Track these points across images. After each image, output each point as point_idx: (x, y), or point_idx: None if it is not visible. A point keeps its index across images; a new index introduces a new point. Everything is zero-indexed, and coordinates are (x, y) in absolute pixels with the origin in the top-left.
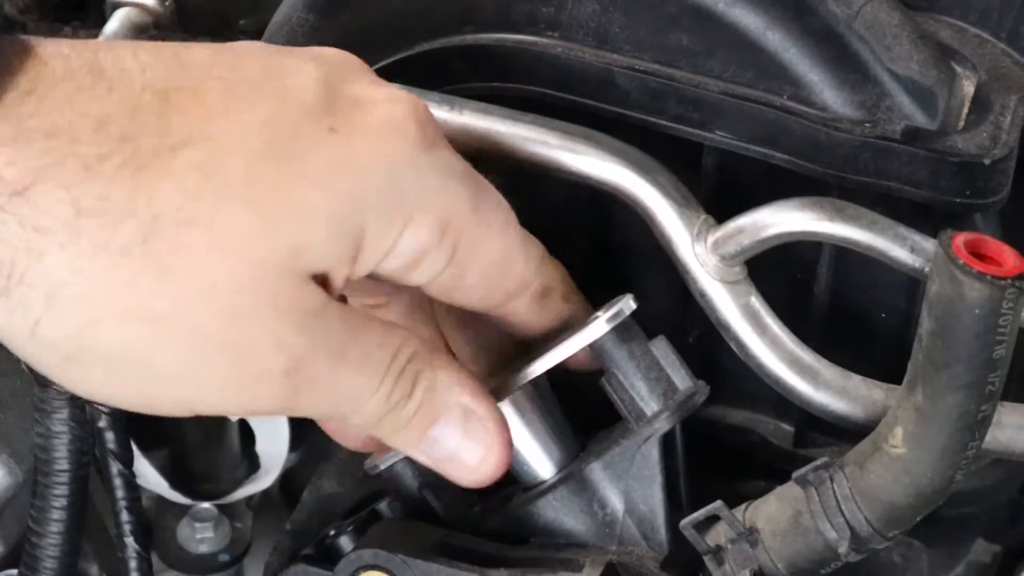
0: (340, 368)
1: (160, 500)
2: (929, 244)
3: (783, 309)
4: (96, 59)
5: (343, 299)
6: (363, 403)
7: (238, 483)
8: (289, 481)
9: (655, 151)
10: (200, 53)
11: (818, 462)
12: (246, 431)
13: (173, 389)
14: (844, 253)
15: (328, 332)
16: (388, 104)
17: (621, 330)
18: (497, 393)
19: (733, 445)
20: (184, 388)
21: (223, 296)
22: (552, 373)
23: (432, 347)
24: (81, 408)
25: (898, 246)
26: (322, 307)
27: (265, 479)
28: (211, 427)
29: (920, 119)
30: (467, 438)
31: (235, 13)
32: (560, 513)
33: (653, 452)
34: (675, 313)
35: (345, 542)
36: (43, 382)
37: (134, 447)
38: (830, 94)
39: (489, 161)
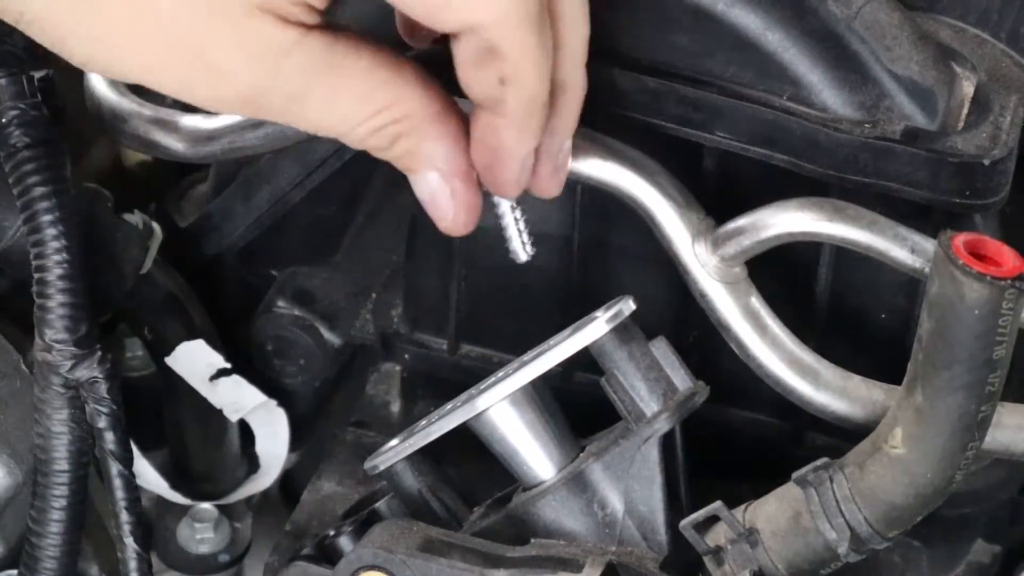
0: (302, 107)
1: (160, 500)
2: (929, 244)
3: (783, 309)
4: None
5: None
6: (339, 135)
7: (238, 484)
8: (289, 481)
9: (655, 152)
10: None
11: (818, 463)
12: (246, 431)
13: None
14: (844, 253)
15: (289, 74)
16: None
17: (621, 331)
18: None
19: (733, 445)
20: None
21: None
22: (551, 374)
23: (430, 117)
24: (81, 409)
25: (898, 246)
26: (288, 45)
27: (265, 479)
28: (211, 428)
29: (920, 119)
30: (436, 201)
31: None
32: (560, 513)
33: (653, 452)
34: (675, 313)
35: (345, 542)
36: (43, 383)
37: (134, 447)
38: (830, 94)
39: None
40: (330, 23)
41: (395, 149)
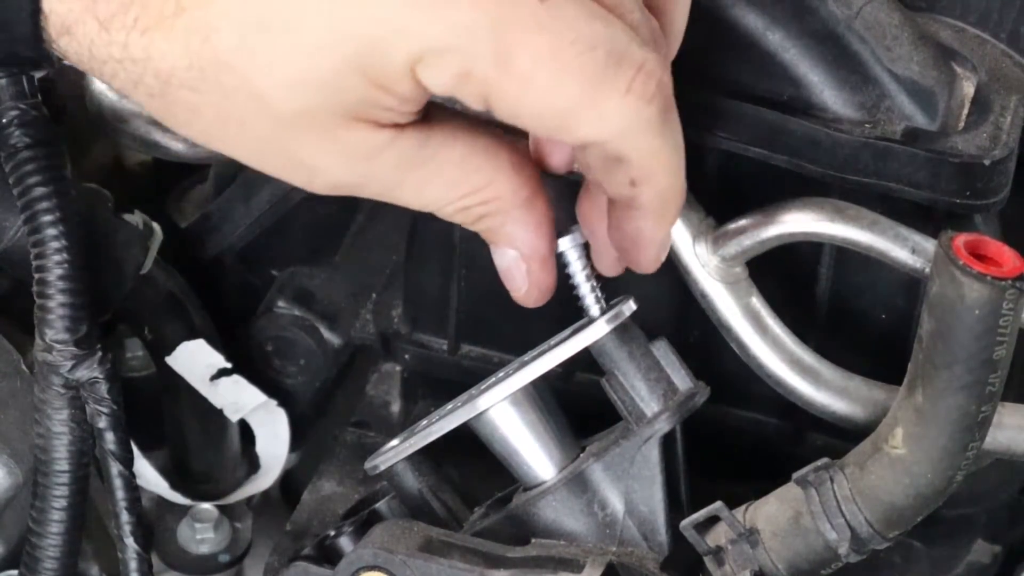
0: (396, 193)
1: (160, 501)
2: (929, 245)
3: (784, 309)
4: None
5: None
6: (430, 211)
7: (238, 484)
8: (289, 482)
9: None
10: None
11: (818, 463)
12: (246, 432)
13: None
14: (845, 254)
15: (382, 170)
16: None
17: (621, 331)
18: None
19: (733, 446)
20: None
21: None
22: (552, 374)
23: (518, 203)
24: (81, 409)
25: (898, 247)
26: (381, 146)
27: (265, 480)
28: (211, 428)
29: (920, 120)
30: (510, 274)
31: None
32: (560, 514)
33: (653, 453)
34: (676, 314)
35: (345, 542)
36: (44, 383)
37: (134, 448)
38: (830, 95)
39: None
40: (429, 112)
41: (479, 225)
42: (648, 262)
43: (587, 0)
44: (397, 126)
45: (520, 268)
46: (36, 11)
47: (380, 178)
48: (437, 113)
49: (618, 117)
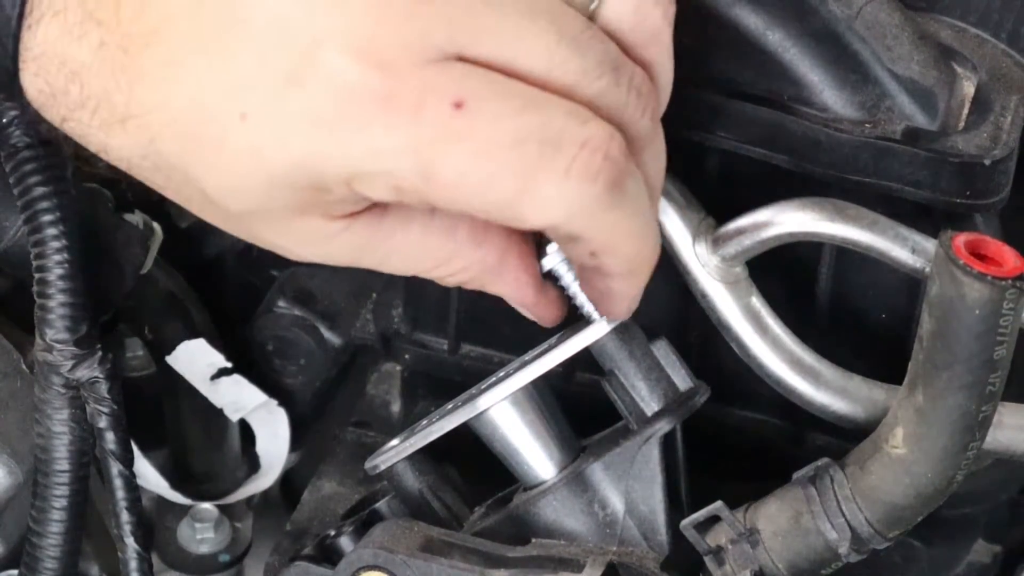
0: (361, 263)
1: (160, 500)
2: (930, 244)
3: (784, 309)
4: None
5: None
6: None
7: (238, 483)
8: (289, 481)
9: None
10: None
11: (819, 463)
12: (247, 431)
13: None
14: (845, 253)
15: (339, 251)
16: None
17: (622, 331)
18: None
19: (734, 445)
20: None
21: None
22: (552, 374)
23: (487, 269)
24: (81, 409)
25: (899, 246)
26: (334, 233)
27: (265, 479)
28: (211, 427)
29: (920, 120)
30: (515, 306)
31: None
32: (560, 513)
33: (654, 453)
34: (676, 313)
35: (345, 542)
36: (44, 383)
37: (134, 447)
38: (830, 94)
39: None
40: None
41: (459, 284)
42: (620, 313)
43: (515, 89)
44: (350, 215)
45: (519, 305)
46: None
47: (342, 257)
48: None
49: (561, 202)
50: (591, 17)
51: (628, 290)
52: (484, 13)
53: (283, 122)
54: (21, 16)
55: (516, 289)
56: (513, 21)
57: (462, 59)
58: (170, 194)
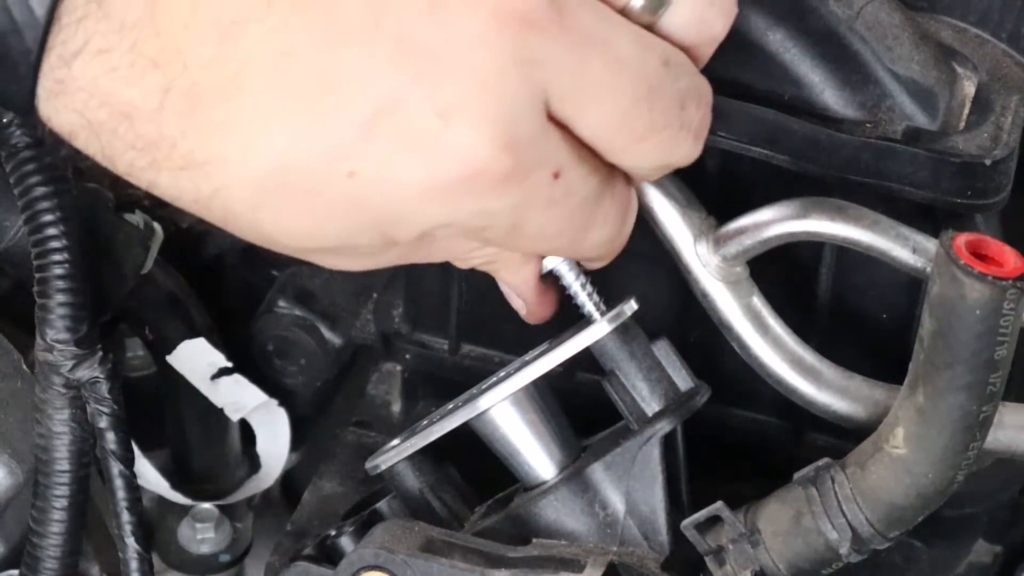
0: (420, 259)
1: (161, 500)
2: (931, 244)
3: (785, 309)
4: None
5: None
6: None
7: (239, 483)
8: (290, 481)
9: None
10: None
11: (819, 463)
12: (247, 431)
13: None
14: (845, 253)
15: (383, 263)
16: None
17: (622, 331)
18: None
19: (734, 445)
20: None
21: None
22: (553, 374)
23: (507, 263)
24: (82, 409)
25: (899, 246)
26: (378, 254)
27: (266, 479)
28: (212, 427)
29: (921, 120)
30: (512, 298)
31: None
32: (561, 513)
33: (654, 453)
34: (676, 313)
35: (346, 542)
36: (44, 383)
37: (135, 447)
38: (831, 94)
39: None
40: None
41: (474, 266)
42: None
43: (587, 157)
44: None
45: (516, 301)
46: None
47: (391, 263)
48: None
49: (595, 243)
50: (653, 24)
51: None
52: (579, 72)
53: (396, 185)
54: (42, 49)
55: (524, 282)
56: (597, 77)
57: (551, 117)
58: (215, 222)
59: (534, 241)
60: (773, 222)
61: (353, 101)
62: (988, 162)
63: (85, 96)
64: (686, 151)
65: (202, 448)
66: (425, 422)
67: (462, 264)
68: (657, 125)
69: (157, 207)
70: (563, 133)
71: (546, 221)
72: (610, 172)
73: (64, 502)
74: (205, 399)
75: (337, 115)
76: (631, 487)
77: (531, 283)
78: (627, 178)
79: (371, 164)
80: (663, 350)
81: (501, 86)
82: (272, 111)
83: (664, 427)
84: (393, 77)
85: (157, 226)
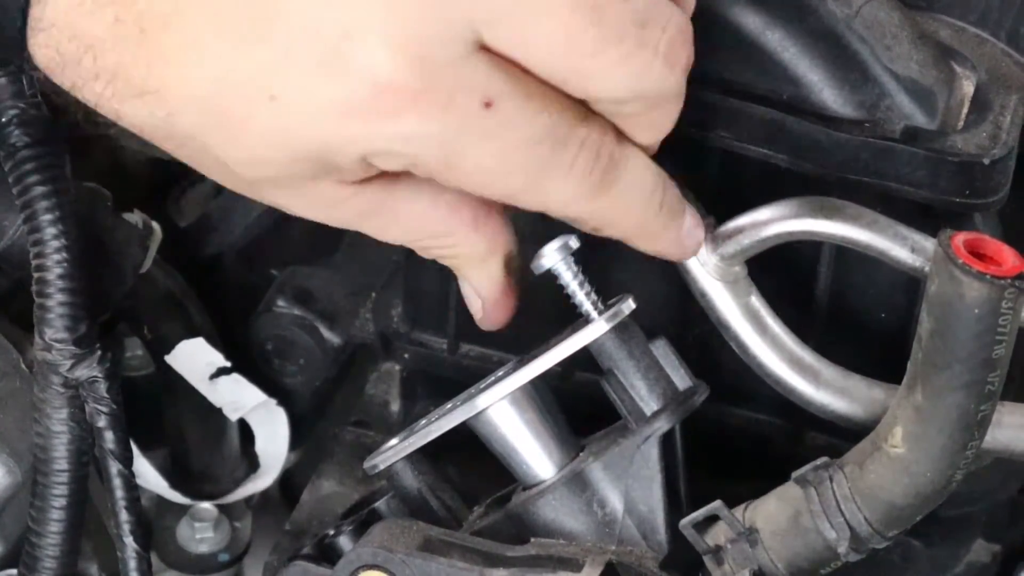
0: (360, 228)
1: (159, 500)
2: (929, 244)
3: (783, 308)
4: None
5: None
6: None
7: (238, 483)
8: (289, 481)
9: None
10: None
11: (818, 462)
12: (246, 431)
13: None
14: (844, 253)
15: (344, 215)
16: None
17: (620, 330)
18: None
19: (733, 445)
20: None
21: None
22: (551, 373)
23: (475, 256)
24: (81, 408)
25: (898, 246)
26: (344, 198)
27: (265, 479)
28: (211, 427)
29: (920, 119)
30: (468, 301)
31: None
32: (559, 513)
33: (653, 452)
34: (675, 312)
35: (344, 541)
36: (43, 382)
37: (133, 447)
38: (830, 94)
39: None
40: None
41: (439, 260)
42: (675, 251)
43: (533, 89)
44: (361, 181)
45: (476, 303)
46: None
47: (347, 220)
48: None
49: (560, 194)
50: None
51: (650, 248)
52: None
53: (313, 106)
54: None
55: (489, 282)
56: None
57: (484, 47)
58: (182, 158)
59: (476, 179)
60: (771, 221)
61: (272, 27)
62: (987, 161)
63: (57, 31)
64: (657, 76)
65: (201, 447)
66: (423, 421)
67: (423, 251)
68: (609, 39)
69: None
70: (499, 62)
71: (484, 156)
72: (580, 115)
73: (63, 501)
74: (204, 399)
75: (259, 41)
76: (629, 486)
77: (493, 281)
78: (612, 129)
79: (291, 87)
80: (661, 349)
81: (406, 6)
82: (206, 39)
83: (662, 426)
84: (308, 2)
85: (156, 225)
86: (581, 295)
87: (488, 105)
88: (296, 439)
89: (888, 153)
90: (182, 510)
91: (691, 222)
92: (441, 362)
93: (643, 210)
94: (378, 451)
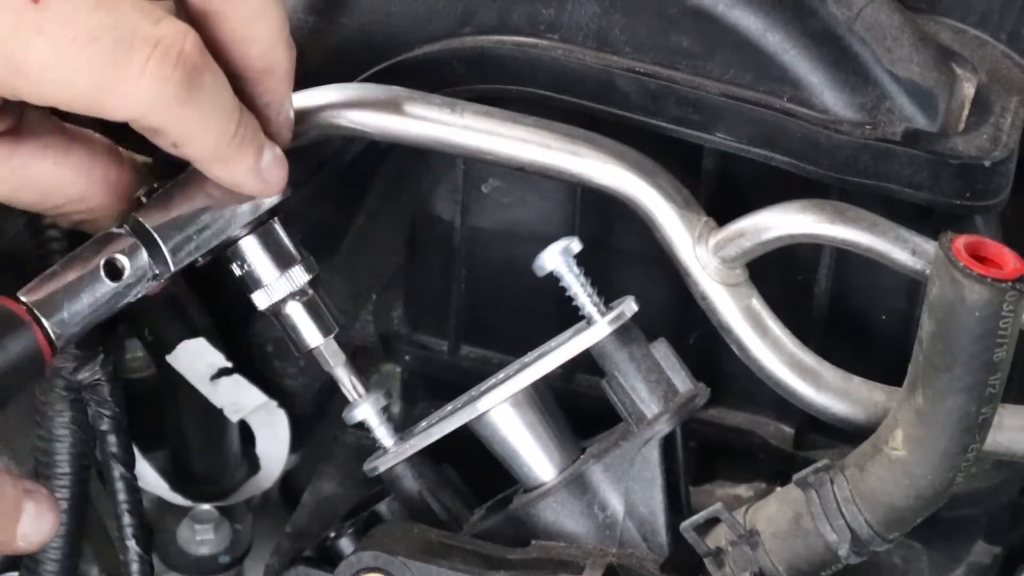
0: (9, 196)
1: (160, 502)
2: (930, 246)
3: (784, 311)
4: None
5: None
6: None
7: (238, 485)
8: (289, 483)
9: (655, 153)
10: None
11: (818, 464)
12: (246, 433)
13: None
14: (845, 255)
15: None
16: None
17: (622, 332)
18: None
19: (733, 447)
20: None
21: None
22: (552, 375)
23: (114, 215)
24: (83, 411)
25: (899, 248)
26: None
27: (265, 481)
28: (211, 429)
29: (920, 121)
30: None
31: None
32: (560, 515)
33: (653, 454)
34: (676, 315)
35: (345, 544)
36: (46, 385)
37: (135, 450)
38: (830, 96)
39: (490, 164)
40: (21, 127)
41: (81, 227)
42: (250, 186)
43: None
44: None
45: None
46: None
47: None
48: (31, 127)
49: (138, 98)
50: None
51: (225, 176)
52: None
53: None
54: None
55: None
56: None
57: None
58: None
59: (45, 85)
60: (772, 224)
61: None
62: (987, 164)
63: None
64: None
65: (202, 449)
66: (424, 424)
67: (63, 220)
68: None
69: None
70: None
71: (45, 56)
72: (153, 17)
73: (64, 504)
74: (205, 400)
75: None
76: (630, 489)
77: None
78: (194, 36)
79: None
80: (662, 352)
81: None
82: None
83: (663, 429)
84: None
85: None
86: (583, 297)
87: (37, 0)
88: (297, 441)
89: (889, 155)
90: (183, 512)
91: (271, 157)
92: (442, 364)
93: (222, 130)
94: (379, 453)
